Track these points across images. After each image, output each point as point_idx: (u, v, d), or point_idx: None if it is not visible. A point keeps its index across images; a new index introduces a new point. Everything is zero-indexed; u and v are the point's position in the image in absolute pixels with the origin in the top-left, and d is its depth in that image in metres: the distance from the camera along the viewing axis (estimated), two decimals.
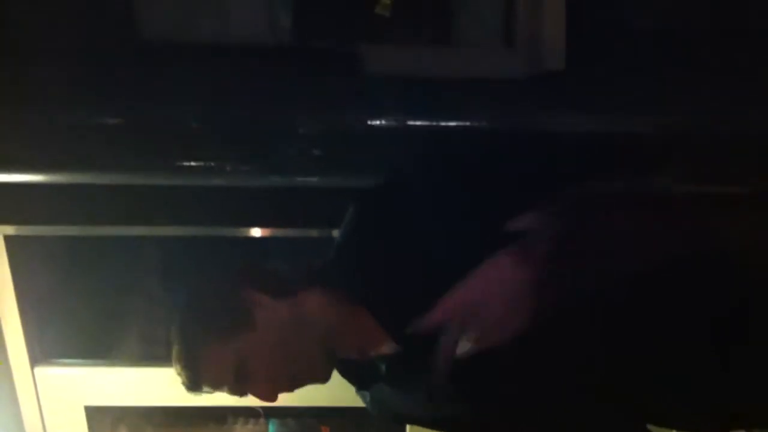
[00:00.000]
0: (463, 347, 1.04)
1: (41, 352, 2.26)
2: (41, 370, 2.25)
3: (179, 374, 1.35)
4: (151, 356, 2.27)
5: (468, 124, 1.59)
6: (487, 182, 1.32)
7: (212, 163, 1.69)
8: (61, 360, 2.29)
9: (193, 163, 1.69)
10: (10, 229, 1.94)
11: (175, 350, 1.36)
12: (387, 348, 1.36)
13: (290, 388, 1.37)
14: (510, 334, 1.02)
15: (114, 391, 2.32)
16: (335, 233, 1.49)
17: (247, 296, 1.34)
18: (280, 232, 1.97)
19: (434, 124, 1.60)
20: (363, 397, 1.49)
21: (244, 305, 1.33)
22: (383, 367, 1.40)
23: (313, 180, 1.72)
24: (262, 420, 3.09)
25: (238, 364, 1.30)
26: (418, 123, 1.60)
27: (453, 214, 1.31)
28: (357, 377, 1.48)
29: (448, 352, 1.05)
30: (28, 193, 1.78)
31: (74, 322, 2.25)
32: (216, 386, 1.35)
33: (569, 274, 1.02)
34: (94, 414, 2.40)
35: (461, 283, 1.05)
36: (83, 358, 2.31)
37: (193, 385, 1.35)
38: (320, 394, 2.26)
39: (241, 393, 1.34)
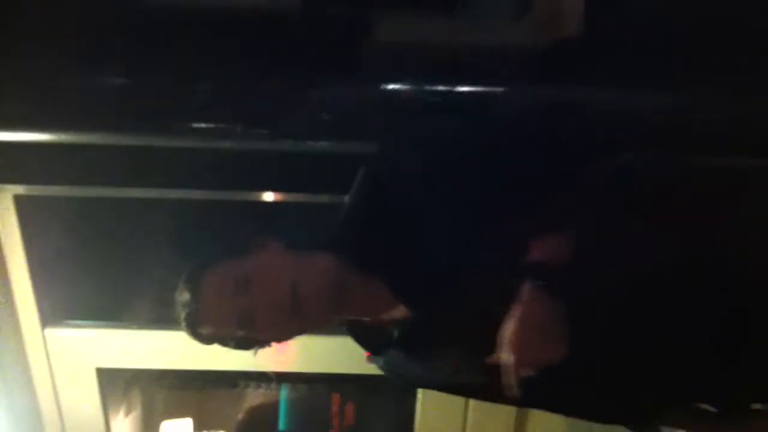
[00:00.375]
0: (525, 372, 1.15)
1: (52, 314, 2.26)
2: (52, 332, 2.26)
3: (180, 307, 1.31)
4: (164, 319, 2.26)
5: (481, 89, 1.57)
6: (498, 149, 1.29)
7: (222, 125, 1.67)
8: (72, 322, 2.29)
9: (203, 125, 1.67)
10: (19, 189, 1.93)
11: (181, 281, 1.34)
12: (398, 313, 1.36)
13: (295, 326, 1.33)
14: (554, 358, 1.15)
15: (126, 353, 2.33)
16: (346, 199, 1.47)
17: (257, 240, 1.34)
18: (290, 197, 1.96)
19: (447, 89, 1.58)
20: (376, 362, 1.48)
21: (254, 244, 1.33)
22: (395, 332, 1.40)
23: (324, 145, 1.70)
24: (273, 385, 3.11)
25: (240, 283, 1.27)
26: (430, 88, 1.58)
27: (463, 181, 1.29)
28: (370, 343, 1.47)
29: (514, 381, 1.15)
30: (37, 153, 1.76)
31: (86, 284, 2.24)
32: (217, 318, 1.30)
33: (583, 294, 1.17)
34: (105, 376, 2.41)
35: (507, 323, 1.16)
36: (95, 319, 2.32)
37: (194, 319, 1.30)
38: (332, 361, 2.27)
39: (243, 325, 1.28)
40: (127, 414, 3.20)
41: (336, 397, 2.99)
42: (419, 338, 1.37)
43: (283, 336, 1.37)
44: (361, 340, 1.46)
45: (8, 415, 2.22)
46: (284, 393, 3.44)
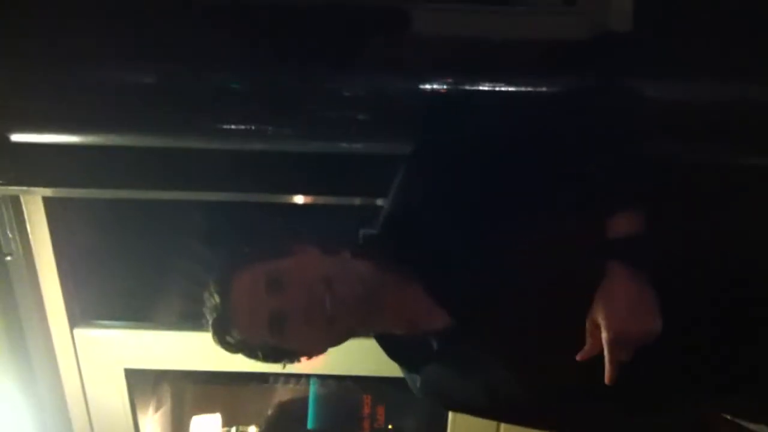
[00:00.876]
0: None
1: (81, 315, 2.25)
2: (81, 332, 2.24)
3: (209, 312, 1.26)
4: (192, 319, 2.21)
5: (524, 89, 1.50)
6: (542, 148, 1.24)
7: (253, 127, 1.62)
8: (100, 322, 2.28)
9: (233, 126, 1.62)
10: (47, 191, 1.90)
11: (210, 284, 1.28)
12: (440, 322, 1.28)
13: (328, 334, 1.26)
14: (650, 339, 1.11)
15: (154, 354, 2.31)
16: (379, 202, 1.42)
17: (292, 243, 1.29)
18: (321, 200, 1.91)
19: (489, 88, 1.51)
20: (412, 381, 1.41)
21: (289, 247, 1.28)
22: (435, 345, 1.32)
23: (358, 146, 1.65)
24: (303, 380, 3.08)
25: (273, 286, 1.21)
26: (471, 87, 1.51)
27: (506, 180, 1.23)
28: (406, 357, 1.40)
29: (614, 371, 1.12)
30: (65, 155, 1.73)
31: (114, 285, 2.23)
32: (248, 322, 1.25)
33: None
34: (133, 374, 2.39)
35: (595, 302, 1.13)
36: (123, 320, 2.30)
37: (223, 323, 1.25)
38: (365, 363, 2.23)
39: (275, 331, 1.22)
40: (156, 410, 3.20)
41: (368, 399, 2.96)
42: (464, 351, 1.30)
43: (314, 345, 1.31)
44: (397, 354, 1.40)
45: (37, 415, 2.21)
46: (313, 389, 3.42)
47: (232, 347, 1.28)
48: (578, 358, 1.14)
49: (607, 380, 1.12)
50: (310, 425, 3.47)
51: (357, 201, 1.90)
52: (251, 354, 1.29)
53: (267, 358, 1.29)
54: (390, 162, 1.37)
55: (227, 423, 3.81)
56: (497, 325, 1.25)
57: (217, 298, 1.25)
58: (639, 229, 1.13)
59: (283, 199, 1.93)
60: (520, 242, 1.19)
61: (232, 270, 1.27)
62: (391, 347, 1.38)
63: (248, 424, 3.89)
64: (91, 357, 2.27)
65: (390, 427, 2.96)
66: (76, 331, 2.23)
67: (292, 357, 1.31)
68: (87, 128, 1.64)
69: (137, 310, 2.27)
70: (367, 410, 2.97)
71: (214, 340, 1.28)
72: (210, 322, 1.27)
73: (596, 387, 1.14)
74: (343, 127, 1.59)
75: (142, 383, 2.61)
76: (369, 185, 1.71)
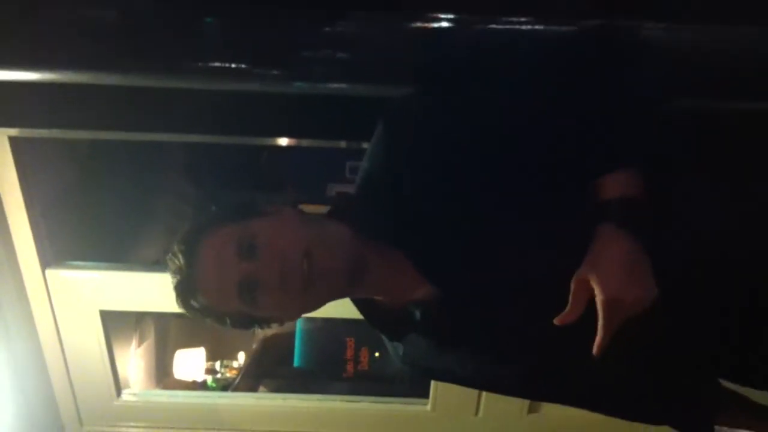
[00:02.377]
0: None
1: (53, 255, 2.17)
2: (53, 273, 2.17)
3: (172, 274, 1.15)
4: None
5: (515, 27, 1.40)
6: (536, 96, 1.11)
7: (232, 65, 1.50)
8: (73, 263, 2.20)
9: (211, 65, 1.50)
10: (13, 131, 1.82)
11: (174, 243, 1.17)
12: (422, 291, 1.20)
13: (304, 301, 1.16)
14: (642, 306, 1.03)
15: (130, 296, 2.24)
16: (366, 145, 1.31)
17: (269, 206, 1.19)
18: (305, 143, 1.81)
19: (481, 26, 1.41)
20: (394, 350, 1.34)
21: (263, 208, 1.18)
22: (417, 314, 1.24)
23: (342, 87, 1.53)
24: None
25: (245, 248, 1.10)
26: (461, 24, 1.41)
27: (497, 137, 1.11)
28: (387, 326, 1.32)
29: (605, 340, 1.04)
30: (33, 93, 1.63)
31: (87, 225, 2.15)
32: (215, 287, 1.14)
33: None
34: (111, 315, 2.33)
35: (586, 263, 1.04)
36: (98, 261, 2.23)
37: (188, 287, 1.14)
38: (349, 305, 2.17)
39: (245, 298, 1.11)
40: (140, 344, 3.17)
41: (351, 342, 2.93)
42: (447, 321, 1.21)
43: (287, 313, 1.22)
44: (378, 322, 1.31)
45: (10, 357, 2.15)
46: (300, 325, 3.39)
47: (197, 312, 1.17)
48: (557, 321, 1.04)
49: (595, 347, 1.03)
50: (296, 363, 3.47)
51: (342, 144, 1.82)
52: (218, 320, 1.18)
53: (235, 324, 1.19)
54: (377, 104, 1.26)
55: (212, 357, 3.81)
56: (481, 294, 1.17)
57: (181, 259, 1.13)
58: (636, 192, 1.04)
59: (267, 141, 1.85)
60: (508, 207, 1.10)
61: (199, 229, 1.16)
62: (372, 315, 1.29)
63: (233, 358, 3.90)
64: (65, 298, 2.20)
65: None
66: (48, 272, 2.15)
67: (263, 324, 1.22)
68: (54, 65, 1.52)
69: (113, 251, 2.19)
70: (350, 353, 2.96)
71: (178, 304, 1.18)
72: (173, 285, 1.16)
73: (583, 359, 1.06)
74: (329, 68, 1.49)
75: (124, 318, 2.55)
76: (356, 128, 1.59)
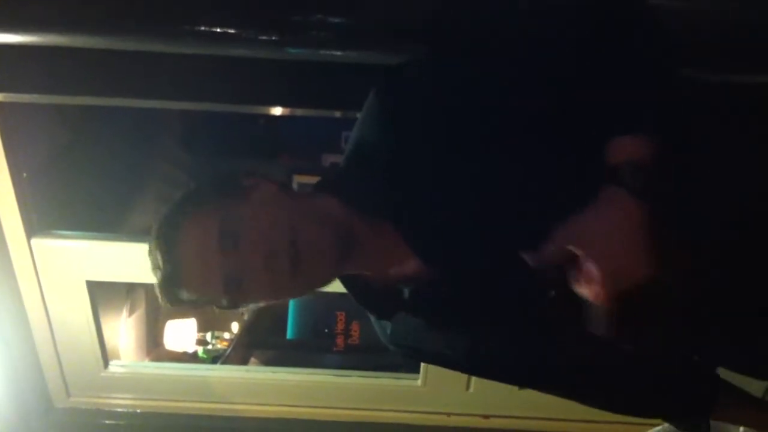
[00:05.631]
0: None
1: (39, 224, 2.13)
2: (39, 242, 2.12)
3: (153, 270, 1.09)
4: None
5: None
6: (538, 59, 1.04)
7: (218, 29, 1.46)
8: (60, 232, 2.16)
9: (203, 28, 1.46)
10: None
11: (151, 237, 1.12)
12: (411, 267, 1.15)
13: (293, 285, 1.11)
14: (638, 277, 0.96)
15: (117, 266, 2.20)
16: (359, 115, 1.26)
17: (248, 179, 1.13)
18: (300, 112, 1.80)
19: None
20: (382, 329, 1.29)
21: (243, 183, 1.12)
22: (405, 292, 1.20)
23: (336, 54, 1.51)
24: None
25: (227, 238, 1.05)
26: None
27: (496, 104, 1.05)
28: (375, 304, 1.27)
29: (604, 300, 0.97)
30: (19, 56, 1.58)
31: (74, 194, 2.10)
32: (200, 281, 1.09)
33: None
34: (99, 285, 2.29)
35: (578, 216, 0.98)
36: (84, 230, 2.19)
37: (171, 284, 1.08)
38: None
39: (232, 289, 1.07)
40: (130, 313, 3.14)
41: (342, 316, 2.91)
42: (435, 299, 1.17)
43: (276, 297, 1.16)
44: (365, 299, 1.26)
45: None
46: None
47: (184, 304, 1.13)
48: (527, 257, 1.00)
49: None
50: (289, 335, 3.45)
51: (338, 114, 1.78)
52: (207, 306, 1.15)
53: (224, 308, 1.16)
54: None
55: (203, 328, 3.80)
56: (472, 271, 1.13)
57: (161, 256, 1.08)
58: (643, 157, 0.97)
59: (259, 110, 1.82)
60: (505, 181, 1.05)
61: (175, 220, 1.09)
62: (359, 292, 1.25)
63: (223, 330, 3.88)
64: (51, 268, 2.17)
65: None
66: (34, 241, 2.11)
67: (253, 304, 1.19)
68: (41, 27, 1.48)
69: (100, 221, 2.14)
70: (341, 326, 2.95)
71: (162, 302, 1.13)
72: (156, 282, 1.10)
73: (578, 344, 1.08)
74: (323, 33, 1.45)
75: (114, 288, 2.51)
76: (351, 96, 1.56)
